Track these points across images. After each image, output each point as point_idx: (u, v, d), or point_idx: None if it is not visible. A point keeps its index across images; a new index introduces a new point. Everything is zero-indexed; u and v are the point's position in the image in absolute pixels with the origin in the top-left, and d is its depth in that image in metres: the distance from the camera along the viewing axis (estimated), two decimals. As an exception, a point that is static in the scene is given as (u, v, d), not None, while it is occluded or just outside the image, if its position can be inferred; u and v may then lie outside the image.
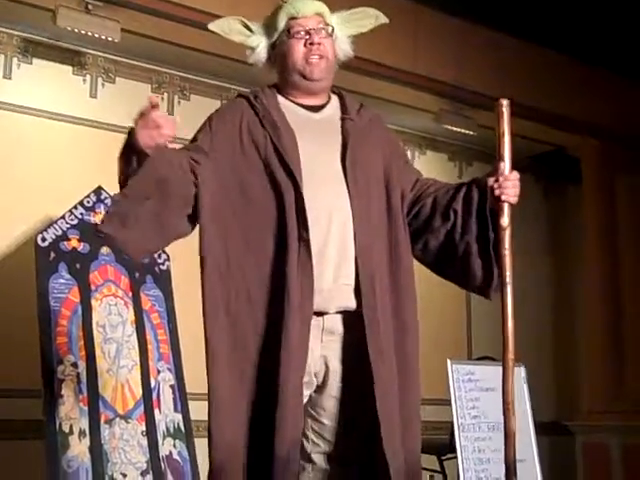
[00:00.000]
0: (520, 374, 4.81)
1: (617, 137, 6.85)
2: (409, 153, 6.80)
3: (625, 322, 6.80)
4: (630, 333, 6.77)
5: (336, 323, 2.26)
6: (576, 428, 6.73)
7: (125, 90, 5.47)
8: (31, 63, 5.18)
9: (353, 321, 2.24)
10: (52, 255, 4.21)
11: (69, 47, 5.26)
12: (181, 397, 4.40)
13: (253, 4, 2.33)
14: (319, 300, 2.20)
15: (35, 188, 4.94)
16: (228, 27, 2.40)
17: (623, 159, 7.01)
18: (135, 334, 4.34)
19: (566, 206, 7.57)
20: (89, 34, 4.75)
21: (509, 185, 2.25)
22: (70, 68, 5.33)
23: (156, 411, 4.26)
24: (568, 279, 7.43)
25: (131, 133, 2.19)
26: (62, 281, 4.20)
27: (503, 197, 2.25)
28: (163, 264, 4.61)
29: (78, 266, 4.27)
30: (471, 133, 6.25)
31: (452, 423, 4.53)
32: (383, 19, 2.46)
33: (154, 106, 2.18)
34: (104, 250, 4.37)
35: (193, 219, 2.27)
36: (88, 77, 5.39)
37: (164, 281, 4.60)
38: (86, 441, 3.96)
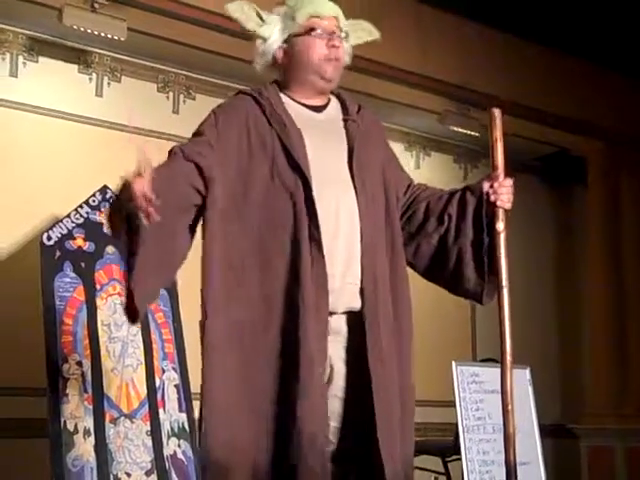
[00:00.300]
0: (525, 376, 4.81)
1: (623, 139, 6.84)
2: (414, 154, 6.79)
3: (630, 325, 6.80)
4: (635, 336, 6.77)
5: (342, 323, 2.25)
6: (581, 431, 6.73)
7: (131, 89, 5.47)
8: (37, 62, 5.17)
9: (356, 322, 2.23)
10: (57, 254, 4.19)
11: (75, 46, 5.25)
12: (186, 397, 4.39)
13: (258, 2, 2.33)
14: (332, 299, 2.18)
15: (41, 187, 4.93)
16: (244, 12, 2.36)
17: (629, 161, 7.00)
18: (140, 333, 4.33)
19: (572, 207, 7.56)
20: (95, 33, 4.76)
21: (504, 191, 2.33)
22: (76, 67, 5.32)
23: (161, 411, 4.25)
24: (574, 282, 7.41)
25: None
26: (67, 280, 4.19)
27: (498, 203, 2.33)
28: (168, 263, 4.59)
29: (83, 265, 4.26)
30: (476, 134, 6.22)
31: (456, 425, 4.52)
32: (375, 34, 2.47)
33: (140, 174, 2.00)
34: (109, 249, 4.35)
35: (193, 228, 2.26)
36: (94, 76, 5.38)
37: (169, 280, 4.59)
38: (91, 440, 3.96)
